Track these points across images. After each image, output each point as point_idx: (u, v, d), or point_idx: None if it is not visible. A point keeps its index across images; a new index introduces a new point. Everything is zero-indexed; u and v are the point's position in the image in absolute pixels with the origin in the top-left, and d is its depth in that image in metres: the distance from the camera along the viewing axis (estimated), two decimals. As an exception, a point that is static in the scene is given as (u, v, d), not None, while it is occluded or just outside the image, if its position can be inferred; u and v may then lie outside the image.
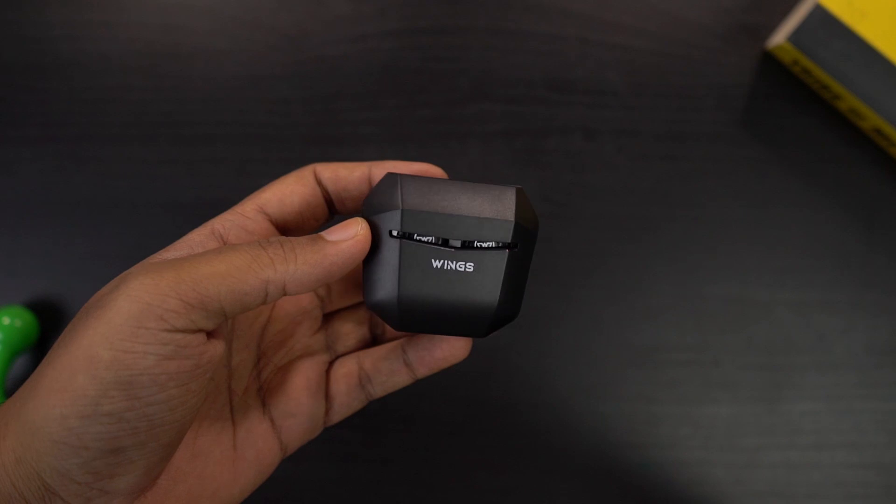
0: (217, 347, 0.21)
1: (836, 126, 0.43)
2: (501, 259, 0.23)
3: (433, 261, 0.23)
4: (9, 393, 0.41)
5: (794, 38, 0.40)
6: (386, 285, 0.23)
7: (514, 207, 0.23)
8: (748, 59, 0.43)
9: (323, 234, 0.23)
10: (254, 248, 0.21)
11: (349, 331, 0.29)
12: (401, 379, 0.27)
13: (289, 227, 0.26)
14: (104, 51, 0.43)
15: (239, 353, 0.26)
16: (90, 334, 0.19)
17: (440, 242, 0.23)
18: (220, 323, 0.21)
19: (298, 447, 0.27)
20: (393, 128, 0.43)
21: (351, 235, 0.22)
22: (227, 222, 0.24)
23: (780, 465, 0.41)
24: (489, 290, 0.23)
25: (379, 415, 0.41)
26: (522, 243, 0.23)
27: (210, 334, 0.21)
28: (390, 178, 0.24)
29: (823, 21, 0.40)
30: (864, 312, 0.42)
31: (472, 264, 0.23)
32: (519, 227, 0.23)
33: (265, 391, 0.27)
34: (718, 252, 0.42)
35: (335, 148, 0.43)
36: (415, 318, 0.23)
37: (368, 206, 0.24)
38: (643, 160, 0.43)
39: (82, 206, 0.43)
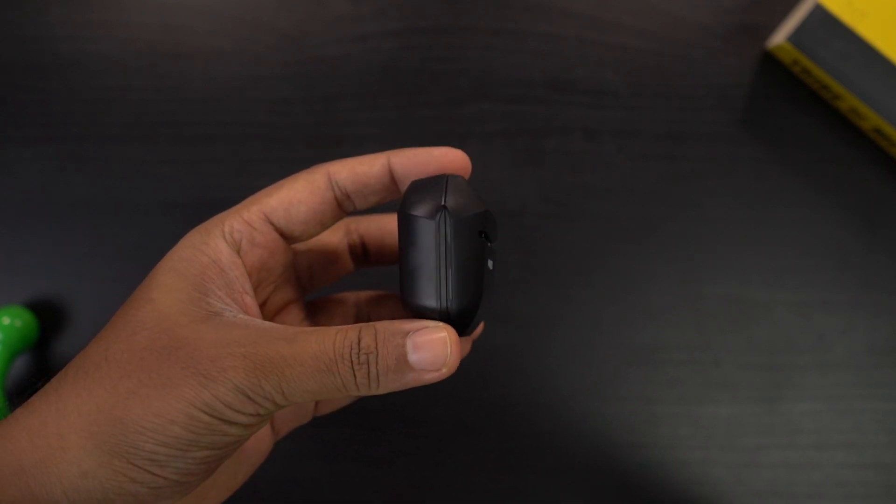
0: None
1: (836, 126, 0.43)
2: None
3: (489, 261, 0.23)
4: (9, 393, 0.41)
5: (794, 38, 0.40)
6: (469, 290, 0.22)
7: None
8: (748, 59, 0.43)
9: (412, 352, 0.21)
10: (346, 372, 0.21)
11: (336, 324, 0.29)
12: None
13: (294, 236, 0.25)
14: (104, 51, 0.43)
15: None
16: (191, 395, 0.20)
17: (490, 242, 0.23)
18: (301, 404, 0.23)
19: (288, 432, 0.28)
20: (393, 128, 0.43)
21: (438, 367, 0.21)
22: (235, 232, 0.24)
23: (780, 465, 0.41)
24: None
25: (379, 415, 0.41)
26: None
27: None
28: (440, 178, 0.23)
29: (823, 21, 0.40)
30: (864, 312, 0.42)
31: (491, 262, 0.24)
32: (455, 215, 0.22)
33: None
34: (718, 252, 0.42)
35: (335, 148, 0.43)
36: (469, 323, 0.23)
37: (413, 201, 0.23)
38: (643, 160, 0.43)
39: (82, 206, 0.43)
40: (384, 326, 0.21)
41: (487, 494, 0.41)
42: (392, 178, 0.25)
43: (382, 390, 0.22)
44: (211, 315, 0.22)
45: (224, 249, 0.23)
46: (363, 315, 0.30)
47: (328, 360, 0.21)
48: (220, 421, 0.21)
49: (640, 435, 0.41)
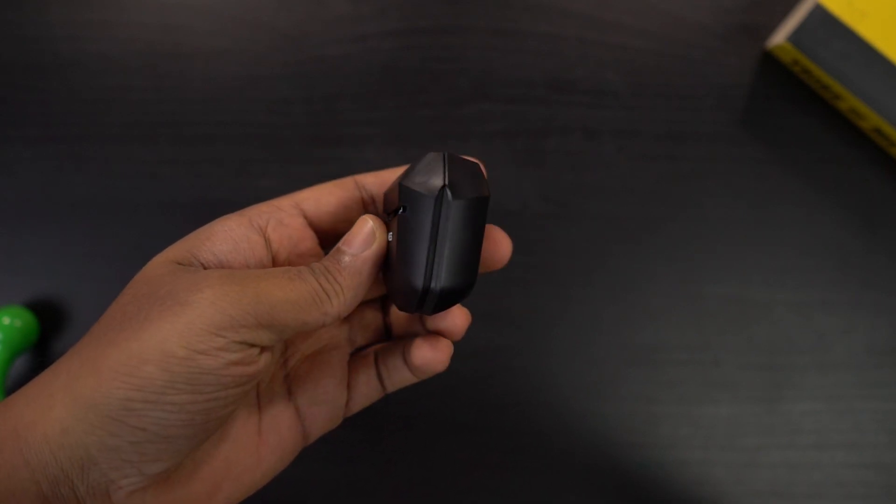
0: (270, 359, 0.23)
1: (836, 126, 0.43)
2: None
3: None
4: (9, 392, 0.41)
5: (794, 38, 0.40)
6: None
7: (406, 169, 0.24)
8: (748, 59, 0.43)
9: (344, 248, 0.24)
10: (312, 281, 0.23)
11: (368, 322, 0.30)
12: (406, 376, 0.28)
13: (323, 227, 0.27)
14: (104, 51, 0.43)
15: None
16: (166, 328, 0.20)
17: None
18: (281, 340, 0.23)
19: (319, 436, 0.28)
20: (393, 128, 0.43)
21: (369, 244, 0.24)
22: (263, 214, 0.25)
23: (780, 465, 0.41)
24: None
25: (380, 415, 0.41)
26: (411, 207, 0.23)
27: (266, 348, 0.23)
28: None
29: (823, 21, 0.40)
30: (864, 312, 0.42)
31: None
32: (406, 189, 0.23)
33: (292, 379, 0.27)
34: (718, 252, 0.42)
35: (335, 148, 0.43)
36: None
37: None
38: (643, 160, 0.43)
39: (82, 206, 0.43)
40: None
41: (487, 494, 0.41)
42: None
43: (349, 293, 0.23)
44: (189, 268, 0.23)
45: (242, 224, 0.24)
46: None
47: (297, 272, 0.23)
48: (196, 352, 0.20)
49: (640, 435, 0.41)
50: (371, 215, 0.24)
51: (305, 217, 0.26)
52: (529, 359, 0.42)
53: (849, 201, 0.43)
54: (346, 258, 0.24)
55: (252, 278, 0.22)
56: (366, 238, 0.24)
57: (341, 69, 0.43)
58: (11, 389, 0.41)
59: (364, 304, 0.30)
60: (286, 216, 0.25)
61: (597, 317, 0.42)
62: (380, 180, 0.27)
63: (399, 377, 0.28)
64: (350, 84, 0.43)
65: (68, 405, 0.20)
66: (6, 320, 0.39)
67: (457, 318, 0.27)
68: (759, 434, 0.41)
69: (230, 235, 0.24)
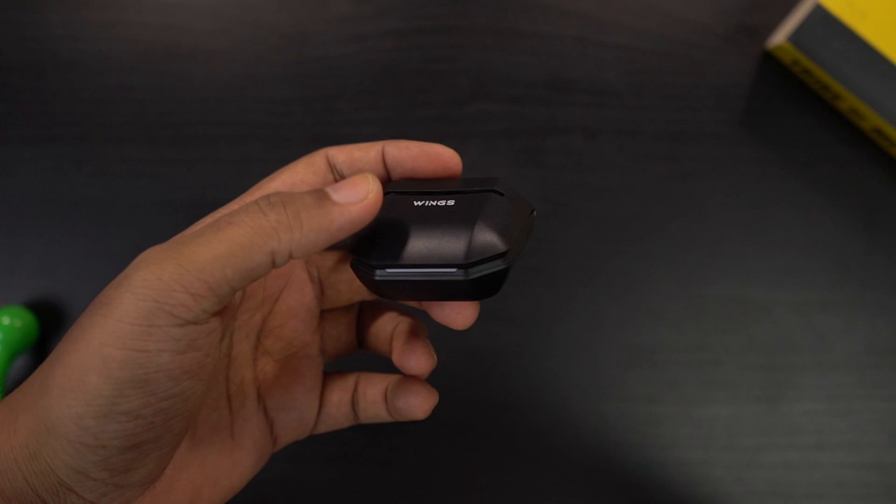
0: (220, 331, 0.21)
1: (836, 126, 0.43)
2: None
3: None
4: (9, 392, 0.41)
5: (794, 38, 0.40)
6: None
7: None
8: (748, 59, 0.43)
9: (329, 191, 0.21)
10: (255, 217, 0.20)
11: (340, 334, 0.29)
12: (382, 413, 0.27)
13: None
14: (104, 51, 0.43)
15: (239, 344, 0.26)
16: (99, 333, 0.19)
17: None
18: (229, 300, 0.20)
19: (287, 444, 0.27)
20: (393, 128, 0.43)
21: (361, 197, 0.21)
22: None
23: (780, 465, 0.41)
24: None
25: (379, 415, 0.41)
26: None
27: (215, 315, 0.20)
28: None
29: (823, 21, 0.40)
30: (864, 312, 0.42)
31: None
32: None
33: (260, 382, 0.27)
34: (718, 252, 0.42)
35: (335, 148, 0.43)
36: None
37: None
38: (643, 160, 0.43)
39: (82, 206, 0.43)
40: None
41: (487, 494, 0.41)
42: (385, 167, 0.25)
43: (309, 234, 0.20)
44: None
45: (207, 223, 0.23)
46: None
47: (229, 216, 0.20)
48: (135, 351, 0.18)
49: (640, 435, 0.41)
50: (374, 176, 0.22)
51: None
52: (529, 359, 0.42)
53: (849, 201, 0.43)
54: (320, 197, 0.21)
55: (173, 245, 0.19)
56: (357, 189, 0.21)
57: (341, 69, 0.43)
58: (11, 389, 0.41)
59: (338, 312, 0.29)
60: None
61: (597, 317, 0.42)
62: (351, 159, 0.25)
63: (374, 412, 0.27)
64: (350, 84, 0.43)
65: (32, 428, 0.19)
66: (6, 320, 0.39)
67: (421, 359, 0.25)
68: (759, 434, 0.41)
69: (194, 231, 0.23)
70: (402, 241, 0.22)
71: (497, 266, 0.21)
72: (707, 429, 0.41)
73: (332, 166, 0.25)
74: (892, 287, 0.42)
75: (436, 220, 0.22)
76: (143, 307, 0.19)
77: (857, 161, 0.43)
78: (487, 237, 0.21)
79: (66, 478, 0.19)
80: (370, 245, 0.23)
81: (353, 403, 0.27)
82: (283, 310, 0.27)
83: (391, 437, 0.41)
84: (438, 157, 0.25)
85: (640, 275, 0.42)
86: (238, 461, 0.25)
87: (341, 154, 0.25)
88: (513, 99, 0.43)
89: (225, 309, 0.21)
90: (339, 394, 0.27)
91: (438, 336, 0.38)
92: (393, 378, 0.27)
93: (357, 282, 0.28)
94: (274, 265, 0.20)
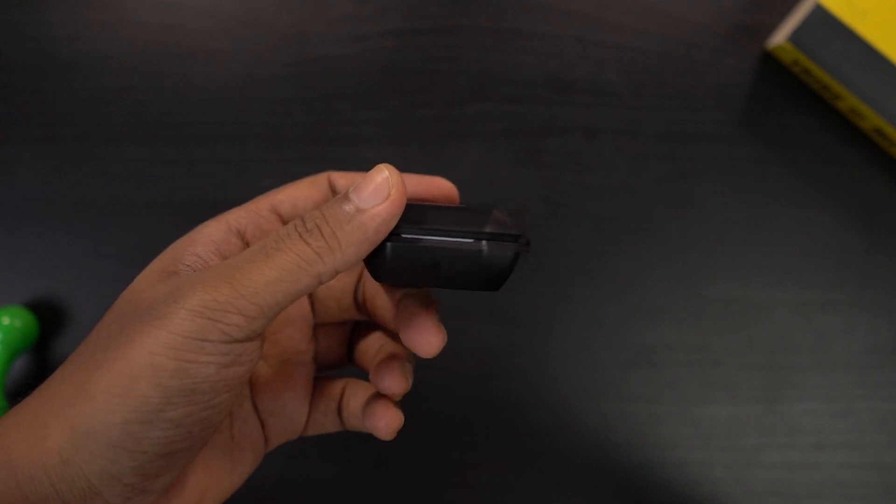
0: (259, 351, 0.22)
1: (836, 126, 0.43)
2: None
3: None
4: (9, 392, 0.41)
5: (794, 38, 0.40)
6: None
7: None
8: (748, 59, 0.43)
9: (352, 196, 0.21)
10: (297, 245, 0.21)
11: (331, 346, 0.29)
12: (361, 423, 0.27)
13: None
14: (104, 51, 0.43)
15: None
16: (151, 343, 0.19)
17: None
18: (274, 319, 0.21)
19: (278, 445, 0.28)
20: (393, 128, 0.43)
21: (385, 196, 0.21)
22: (241, 219, 0.24)
23: (780, 465, 0.41)
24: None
25: (379, 415, 0.41)
26: None
27: (257, 337, 0.21)
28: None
29: (823, 21, 0.40)
30: (864, 312, 0.42)
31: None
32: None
33: (254, 385, 0.27)
34: (718, 252, 0.42)
35: (335, 148, 0.43)
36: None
37: None
38: (643, 160, 0.43)
39: (82, 206, 0.43)
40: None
41: (486, 494, 0.41)
42: None
43: (349, 250, 0.21)
44: (172, 275, 0.22)
45: (221, 229, 0.24)
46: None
47: (275, 243, 0.21)
48: (186, 362, 0.19)
49: (640, 435, 0.41)
50: (388, 165, 0.22)
51: (282, 220, 0.25)
52: (529, 359, 0.42)
53: (849, 201, 0.43)
54: (350, 208, 0.21)
55: (227, 270, 0.20)
56: (378, 189, 0.21)
57: (341, 69, 0.43)
58: (11, 389, 0.41)
59: (332, 326, 0.30)
60: (265, 222, 0.25)
61: (597, 317, 0.42)
62: (351, 182, 0.25)
63: (355, 423, 0.28)
64: (350, 84, 0.43)
65: (66, 434, 0.20)
66: (6, 320, 0.39)
67: (395, 380, 0.26)
68: (759, 434, 0.41)
69: (211, 239, 0.23)
70: (419, 213, 0.22)
71: (511, 248, 0.22)
72: (707, 429, 0.41)
73: (332, 190, 0.26)
74: (892, 287, 0.42)
75: (451, 209, 0.23)
76: (198, 323, 0.20)
77: (857, 161, 0.43)
78: (504, 219, 0.22)
79: (98, 482, 0.20)
80: None
81: (339, 411, 0.28)
82: (279, 317, 0.28)
83: (391, 437, 0.41)
84: (438, 187, 0.26)
85: (640, 275, 0.42)
86: (238, 461, 0.26)
87: (342, 178, 0.26)
88: (513, 99, 0.43)
89: (262, 336, 0.22)
90: (326, 401, 0.28)
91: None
92: (371, 391, 0.27)
93: (346, 300, 0.28)
94: (321, 283, 0.21)
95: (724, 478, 0.41)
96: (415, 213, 0.22)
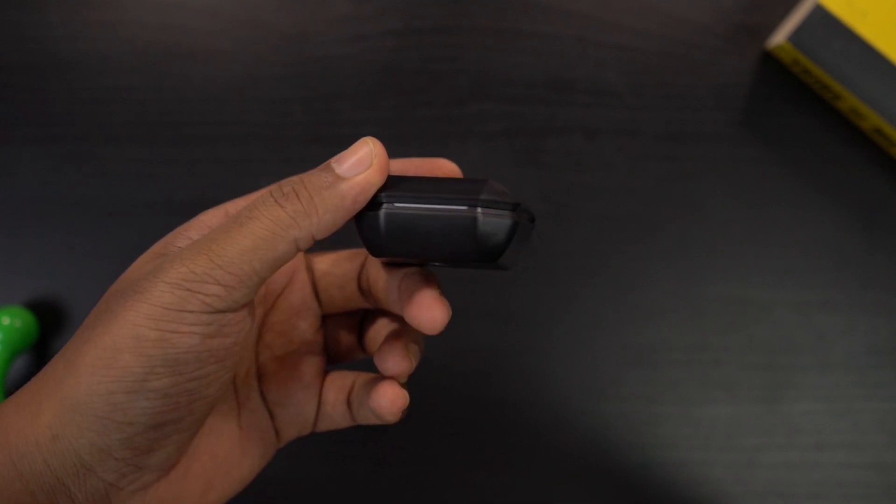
0: (248, 323, 0.22)
1: (836, 126, 0.43)
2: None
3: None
4: (9, 392, 0.41)
5: (794, 38, 0.41)
6: None
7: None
8: (748, 59, 0.43)
9: (333, 165, 0.22)
10: (272, 210, 0.21)
11: (341, 337, 0.29)
12: (369, 415, 0.27)
13: None
14: (104, 51, 0.43)
15: None
16: (133, 315, 0.20)
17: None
18: (259, 289, 0.21)
19: (289, 439, 0.28)
20: (393, 128, 0.43)
21: (366, 166, 0.22)
22: (240, 207, 0.24)
23: (780, 465, 0.41)
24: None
25: (379, 415, 0.41)
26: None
27: (243, 307, 0.21)
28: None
29: (823, 21, 0.40)
30: (864, 312, 0.42)
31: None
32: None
33: (262, 374, 0.27)
34: (718, 252, 0.42)
35: (335, 148, 0.43)
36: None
37: None
38: (643, 160, 0.43)
39: (82, 206, 0.43)
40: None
41: (485, 494, 0.41)
42: None
43: (325, 216, 0.21)
44: (161, 256, 0.22)
45: (218, 216, 0.24)
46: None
47: (249, 211, 0.21)
48: (168, 332, 0.20)
49: (640, 435, 0.41)
50: (373, 138, 0.22)
51: None
52: (529, 358, 0.42)
53: (849, 201, 0.43)
54: (329, 175, 0.21)
55: (205, 242, 0.21)
56: (361, 160, 0.22)
57: (341, 69, 0.43)
58: (11, 389, 0.41)
59: (342, 316, 0.29)
60: None
61: (597, 317, 0.42)
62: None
63: (364, 414, 0.27)
64: (350, 84, 0.43)
65: (56, 410, 0.20)
66: (6, 320, 0.39)
67: (397, 359, 0.25)
68: (759, 434, 0.41)
69: (207, 224, 0.24)
70: (415, 184, 0.23)
71: (508, 215, 0.22)
72: (707, 429, 0.41)
73: None
74: (892, 287, 0.42)
75: (447, 180, 0.23)
76: (177, 295, 0.20)
77: (857, 161, 0.43)
78: (500, 188, 0.22)
79: (88, 457, 0.20)
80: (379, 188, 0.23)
81: (349, 404, 0.27)
82: (284, 306, 0.28)
83: (390, 434, 0.41)
84: (440, 168, 0.26)
85: (640, 275, 0.42)
86: (246, 451, 0.26)
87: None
88: (513, 99, 0.43)
89: (249, 306, 0.22)
90: (335, 394, 0.28)
91: (439, 334, 0.38)
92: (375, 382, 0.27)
93: (350, 287, 0.28)
94: (299, 250, 0.21)
95: (724, 478, 0.41)
96: (411, 184, 0.23)
